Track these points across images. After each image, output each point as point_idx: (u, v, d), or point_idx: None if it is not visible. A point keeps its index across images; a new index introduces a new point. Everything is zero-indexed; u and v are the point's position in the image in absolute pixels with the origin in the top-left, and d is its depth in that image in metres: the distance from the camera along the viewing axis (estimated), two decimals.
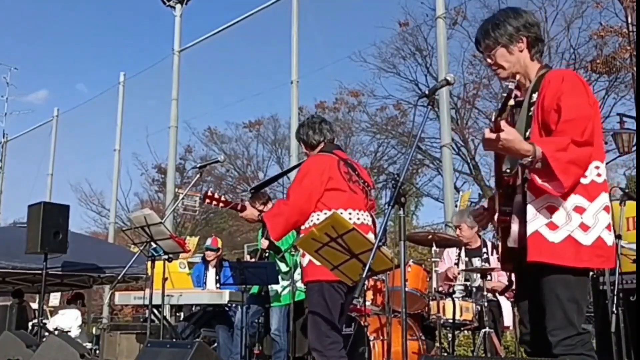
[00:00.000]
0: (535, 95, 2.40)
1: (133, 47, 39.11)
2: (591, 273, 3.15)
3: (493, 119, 2.17)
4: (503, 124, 2.16)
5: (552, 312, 2.28)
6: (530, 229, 2.31)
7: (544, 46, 2.54)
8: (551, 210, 2.30)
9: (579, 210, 2.28)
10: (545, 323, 2.31)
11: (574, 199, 2.29)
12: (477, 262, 5.16)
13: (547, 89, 2.36)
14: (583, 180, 2.30)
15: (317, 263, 3.07)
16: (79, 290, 10.81)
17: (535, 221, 2.31)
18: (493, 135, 2.14)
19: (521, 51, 2.50)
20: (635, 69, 11.18)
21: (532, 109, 2.40)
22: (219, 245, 6.66)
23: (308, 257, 3.32)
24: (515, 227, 2.41)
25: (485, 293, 4.75)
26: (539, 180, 2.24)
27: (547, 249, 2.27)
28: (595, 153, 2.31)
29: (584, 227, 2.28)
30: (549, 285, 2.30)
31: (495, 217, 2.49)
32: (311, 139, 3.80)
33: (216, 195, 3.65)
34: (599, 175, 2.32)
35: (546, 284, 2.31)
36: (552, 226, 2.29)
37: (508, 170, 2.46)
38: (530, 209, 2.32)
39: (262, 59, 14.32)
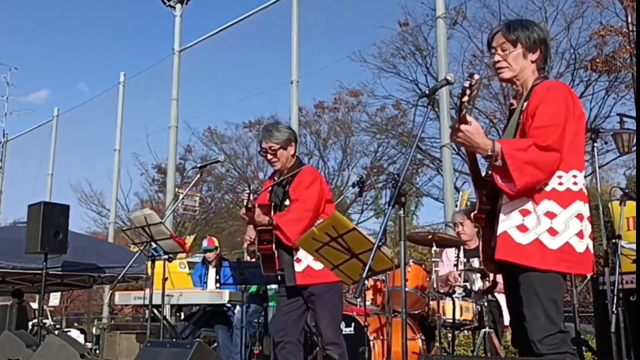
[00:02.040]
0: (525, 104, 2.47)
1: (133, 47, 39.14)
2: (591, 273, 3.17)
3: (459, 114, 2.24)
4: (469, 118, 2.25)
5: (533, 310, 2.34)
6: (499, 229, 2.40)
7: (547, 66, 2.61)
8: (523, 213, 2.38)
9: (550, 215, 2.35)
10: (525, 321, 2.36)
11: (546, 204, 2.36)
12: (476, 262, 5.15)
13: (533, 97, 2.43)
14: (558, 188, 2.37)
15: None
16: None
17: (506, 222, 2.39)
18: (456, 125, 2.23)
19: (533, 62, 2.54)
20: (635, 68, 11.19)
21: (521, 115, 2.47)
22: (216, 244, 6.65)
23: None
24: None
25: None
26: (499, 181, 2.32)
27: (514, 250, 2.35)
28: (574, 162, 2.39)
29: (553, 231, 2.34)
30: (529, 284, 2.36)
31: (472, 215, 2.55)
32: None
33: (251, 196, 3.50)
34: (575, 184, 2.39)
35: (526, 282, 2.37)
36: (523, 228, 2.36)
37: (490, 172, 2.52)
38: (502, 211, 2.41)
39: (262, 59, 14.37)
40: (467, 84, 2.19)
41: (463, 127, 2.24)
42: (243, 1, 33.31)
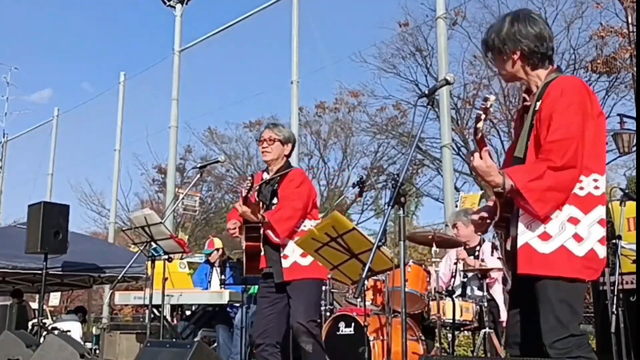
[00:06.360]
0: (539, 104, 2.36)
1: (133, 47, 39.13)
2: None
3: (476, 139, 2.20)
4: (484, 153, 2.20)
5: (545, 314, 2.25)
6: (520, 241, 2.30)
7: (546, 54, 2.42)
8: (545, 220, 2.26)
9: (573, 221, 2.26)
10: (535, 325, 2.28)
11: (569, 210, 2.26)
12: (471, 260, 5.16)
13: (546, 101, 2.32)
14: (579, 192, 2.27)
15: (319, 263, 3.16)
16: (81, 305, 10.85)
17: (526, 234, 2.29)
18: (471, 156, 2.22)
19: (515, 61, 2.42)
20: (635, 69, 11.19)
21: (534, 117, 2.37)
22: (216, 245, 6.66)
23: (310, 257, 3.40)
24: (513, 231, 2.39)
25: (484, 293, 4.76)
26: (520, 203, 2.27)
27: (538, 261, 2.25)
28: (595, 166, 2.29)
29: (578, 237, 2.25)
30: (542, 288, 2.27)
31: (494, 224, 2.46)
32: None
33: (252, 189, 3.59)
34: (596, 188, 2.29)
35: (539, 287, 2.28)
36: (545, 236, 2.26)
37: None
38: (521, 222, 2.31)
39: (262, 59, 14.34)
40: (482, 108, 2.13)
41: (476, 163, 2.19)
42: (243, 1, 33.28)
